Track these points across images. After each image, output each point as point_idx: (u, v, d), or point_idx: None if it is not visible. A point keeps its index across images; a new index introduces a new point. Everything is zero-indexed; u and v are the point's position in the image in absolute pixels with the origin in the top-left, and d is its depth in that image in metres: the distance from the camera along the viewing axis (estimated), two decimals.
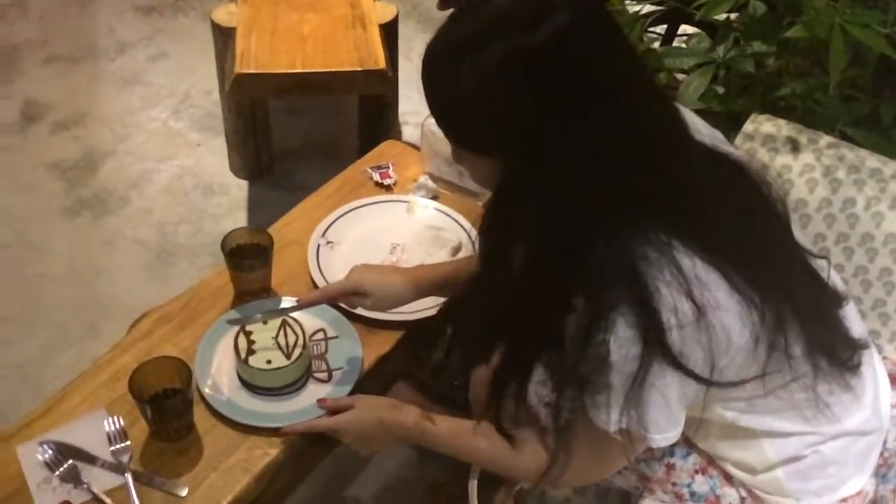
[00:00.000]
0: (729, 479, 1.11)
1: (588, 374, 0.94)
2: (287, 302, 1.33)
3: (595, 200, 0.86)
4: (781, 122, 1.46)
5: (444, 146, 1.57)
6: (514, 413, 1.04)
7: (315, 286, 1.38)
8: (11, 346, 2.03)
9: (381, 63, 1.97)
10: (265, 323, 1.24)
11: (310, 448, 1.21)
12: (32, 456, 1.12)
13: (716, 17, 1.61)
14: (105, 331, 2.05)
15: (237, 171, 2.52)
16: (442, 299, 1.32)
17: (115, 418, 1.16)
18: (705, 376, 0.90)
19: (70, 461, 1.12)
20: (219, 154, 2.57)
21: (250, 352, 1.21)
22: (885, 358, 1.21)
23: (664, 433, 0.93)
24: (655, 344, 0.85)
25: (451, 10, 0.90)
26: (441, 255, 1.46)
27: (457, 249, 1.47)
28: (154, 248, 2.29)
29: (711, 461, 1.11)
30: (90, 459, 1.13)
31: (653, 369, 0.87)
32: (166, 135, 2.69)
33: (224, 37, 2.14)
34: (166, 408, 1.13)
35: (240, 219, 2.38)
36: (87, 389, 1.22)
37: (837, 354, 1.02)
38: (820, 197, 1.39)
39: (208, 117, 2.74)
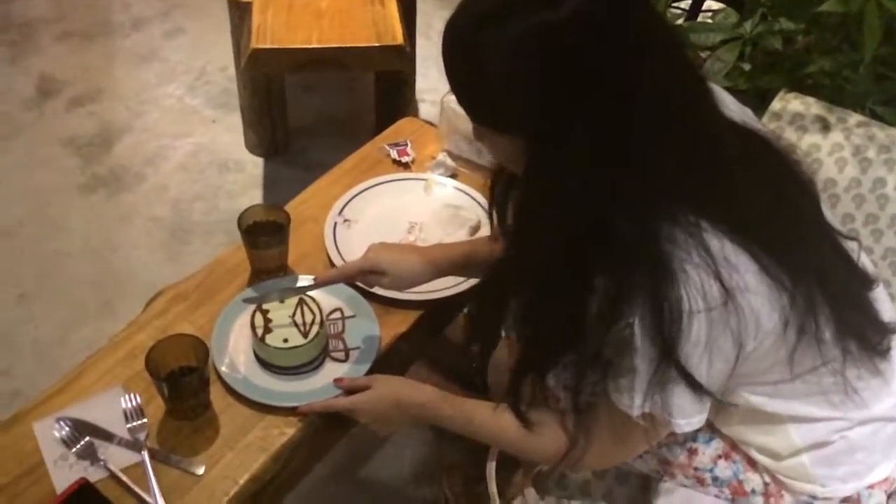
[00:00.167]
0: (752, 464, 1.09)
1: (611, 357, 0.92)
2: (304, 280, 1.32)
3: (620, 180, 0.84)
4: (810, 100, 1.42)
5: (464, 123, 1.55)
6: (533, 396, 1.02)
7: (332, 264, 1.37)
8: (28, 323, 2.03)
9: (399, 39, 1.94)
10: (282, 301, 1.23)
11: (326, 428, 1.19)
12: (49, 432, 1.12)
13: None
14: (121, 308, 2.05)
15: (252, 148, 2.51)
16: (460, 279, 1.31)
17: (132, 395, 1.15)
18: (732, 360, 0.87)
19: (87, 438, 1.11)
20: (234, 131, 2.55)
21: (267, 330, 1.20)
22: None
23: (689, 418, 0.92)
24: (683, 328, 0.83)
25: None
26: (459, 235, 1.44)
27: (475, 229, 1.45)
28: (169, 226, 2.28)
29: (734, 446, 1.09)
30: (107, 436, 1.12)
31: (680, 354, 0.85)
32: (182, 111, 2.68)
33: (240, 12, 2.12)
34: (183, 386, 1.12)
35: (255, 196, 2.37)
36: (103, 366, 1.21)
37: (867, 338, 0.99)
38: (849, 177, 1.36)
39: (224, 94, 2.73)
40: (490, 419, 1.08)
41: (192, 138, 2.57)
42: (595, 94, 0.81)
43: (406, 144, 1.60)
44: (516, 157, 0.89)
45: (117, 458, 1.10)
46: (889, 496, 1.07)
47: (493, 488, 1.20)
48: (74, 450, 1.10)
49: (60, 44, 2.94)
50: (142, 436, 1.12)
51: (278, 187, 2.37)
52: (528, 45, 0.80)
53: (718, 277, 0.83)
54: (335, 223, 1.43)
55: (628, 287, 0.85)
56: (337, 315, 1.28)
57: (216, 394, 1.17)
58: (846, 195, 1.36)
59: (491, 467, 1.20)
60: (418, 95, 2.58)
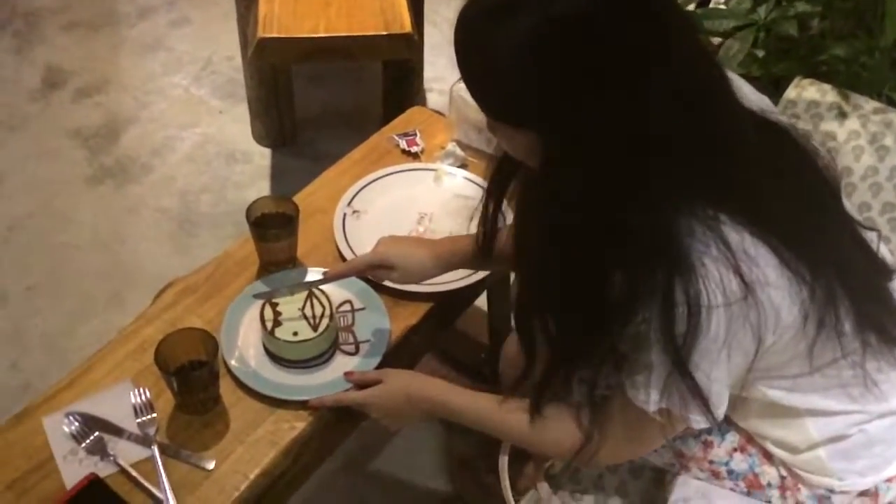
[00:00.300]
0: (768, 457, 1.07)
1: (627, 352, 0.91)
2: (313, 272, 1.31)
3: (638, 174, 0.82)
4: (826, 86, 1.40)
5: (474, 112, 1.53)
6: (556, 391, 1.01)
7: (341, 256, 1.35)
8: (37, 316, 2.03)
9: (407, 27, 1.92)
10: (291, 294, 1.22)
11: (337, 422, 1.18)
12: (58, 427, 1.11)
13: None
14: (129, 300, 2.04)
15: (260, 138, 2.49)
16: (471, 270, 1.29)
17: (141, 390, 1.15)
18: (751, 355, 0.86)
19: (96, 433, 1.11)
20: (241, 121, 2.53)
21: (276, 323, 1.19)
22: None
23: (706, 414, 0.90)
24: (701, 323, 0.81)
25: None
26: (470, 226, 1.42)
27: None
28: (177, 217, 2.27)
29: (750, 439, 1.08)
30: (116, 431, 1.11)
31: (698, 349, 0.83)
32: (188, 102, 2.66)
33: (247, 1, 2.10)
34: (192, 380, 1.11)
35: (263, 188, 2.35)
36: (112, 360, 1.21)
37: (887, 330, 0.98)
38: (866, 165, 1.34)
39: (230, 84, 2.71)
40: (503, 414, 1.07)
41: (198, 129, 2.56)
42: (613, 85, 0.79)
43: (415, 134, 1.58)
44: (532, 151, 0.87)
45: (127, 453, 1.09)
46: None
47: (505, 482, 1.19)
48: (84, 445, 1.09)
49: (66, 34, 2.92)
50: (151, 430, 1.11)
51: (286, 178, 2.36)
52: (543, 35, 0.78)
53: (738, 271, 0.81)
54: (344, 214, 1.42)
55: (645, 282, 0.83)
56: (347, 307, 1.27)
57: (226, 388, 1.16)
58: (863, 184, 1.34)
59: (503, 461, 1.19)
60: (426, 84, 2.56)
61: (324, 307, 1.21)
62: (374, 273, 1.22)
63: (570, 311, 0.93)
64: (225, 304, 1.27)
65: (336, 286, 1.27)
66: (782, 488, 1.07)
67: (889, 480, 1.04)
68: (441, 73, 2.65)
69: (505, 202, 1.13)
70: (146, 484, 1.06)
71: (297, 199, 1.42)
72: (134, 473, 1.07)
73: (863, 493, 1.05)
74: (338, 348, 1.22)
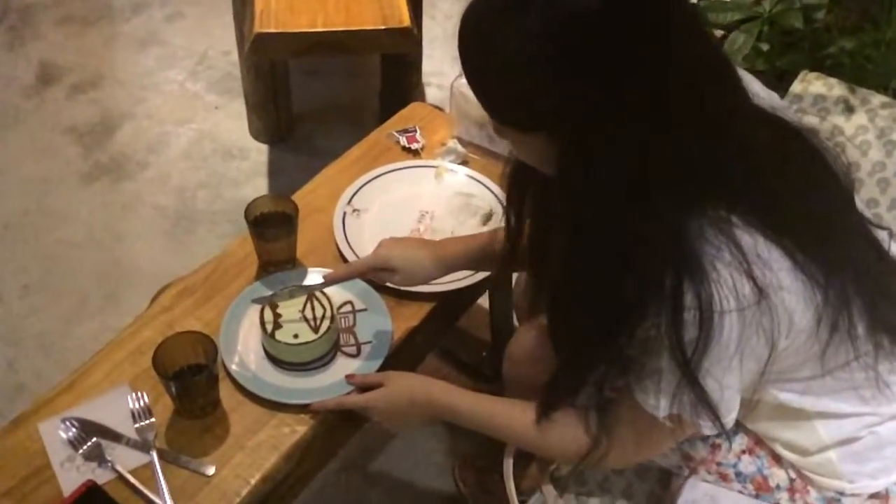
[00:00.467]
0: (777, 459, 1.06)
1: (636, 356, 0.89)
2: (313, 272, 1.29)
3: (648, 176, 0.80)
4: (832, 80, 1.38)
5: (475, 108, 1.50)
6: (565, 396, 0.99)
7: (341, 255, 1.33)
8: (32, 315, 2.00)
9: (406, 21, 1.89)
10: (291, 298, 1.19)
11: (339, 425, 1.17)
12: (55, 433, 1.09)
13: None
14: (126, 299, 2.02)
15: (257, 134, 2.47)
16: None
17: (139, 394, 1.13)
18: (764, 360, 0.84)
19: (94, 439, 1.09)
20: (238, 117, 2.51)
21: (277, 326, 1.17)
22: None
23: (717, 421, 0.88)
24: (713, 328, 0.79)
25: None
26: (472, 224, 1.40)
27: (488, 217, 1.42)
28: (173, 215, 2.25)
29: (759, 441, 1.07)
30: (114, 437, 1.10)
31: (709, 355, 0.81)
32: (184, 97, 2.63)
33: None
34: (192, 385, 1.09)
35: (260, 184, 2.33)
36: (109, 364, 1.19)
37: None
38: (873, 160, 1.32)
39: (226, 79, 2.68)
40: (509, 417, 1.05)
41: (194, 125, 2.53)
42: (626, 85, 0.76)
43: (415, 131, 1.56)
44: (543, 156, 0.85)
45: (125, 459, 1.07)
46: None
47: (510, 485, 1.17)
48: (81, 451, 1.08)
49: (60, 29, 2.89)
50: (150, 436, 1.09)
51: (284, 175, 2.34)
52: (553, 34, 0.76)
53: (751, 275, 0.79)
54: (344, 213, 1.39)
55: (654, 285, 0.81)
56: (348, 308, 1.25)
57: (225, 392, 1.15)
58: (870, 179, 1.32)
59: (508, 464, 1.17)
60: (424, 79, 2.53)
61: (324, 309, 1.19)
62: (375, 276, 1.20)
63: (583, 314, 0.91)
64: (224, 306, 1.24)
65: (337, 287, 1.24)
66: (791, 490, 1.06)
67: None
68: (439, 67, 2.62)
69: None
70: (145, 491, 1.04)
71: (296, 197, 1.40)
72: (132, 480, 1.05)
73: (873, 496, 1.03)
74: (339, 350, 1.20)
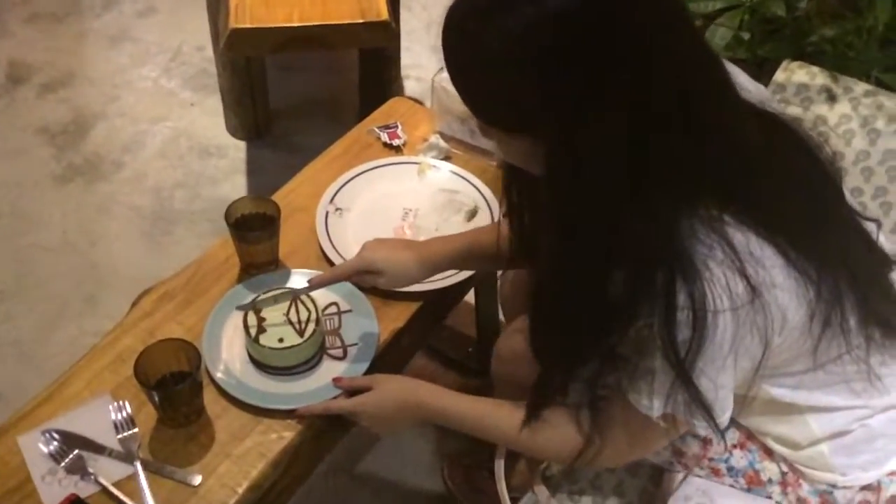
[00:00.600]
0: (769, 453, 1.06)
1: (629, 356, 0.88)
2: (297, 275, 1.27)
3: (637, 176, 0.78)
4: (815, 69, 1.37)
5: (456, 103, 1.48)
6: (553, 394, 0.98)
7: (324, 255, 1.31)
8: (7, 322, 1.96)
9: (384, 14, 1.86)
10: (276, 302, 1.17)
11: (327, 429, 1.15)
12: (35, 446, 1.07)
13: None
14: (104, 303, 1.98)
15: (234, 131, 2.43)
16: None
17: (121, 403, 1.10)
18: (758, 358, 0.83)
19: (75, 451, 1.06)
20: (214, 114, 2.46)
21: (261, 330, 1.15)
22: None
23: (711, 421, 0.87)
24: (707, 328, 0.78)
25: None
26: (456, 220, 1.39)
27: (472, 213, 1.40)
28: (150, 215, 2.21)
29: (750, 435, 1.06)
30: (97, 448, 1.07)
31: (704, 355, 0.80)
32: (158, 94, 2.59)
33: None
34: (175, 394, 1.07)
35: (239, 182, 2.29)
36: (89, 373, 1.16)
37: (891, 324, 0.96)
38: (857, 149, 1.32)
39: (202, 75, 2.63)
40: (498, 419, 1.04)
41: (169, 123, 2.48)
42: (612, 83, 0.75)
43: (396, 127, 1.54)
44: (529, 156, 0.83)
45: (109, 471, 1.05)
46: None
47: (502, 488, 1.16)
48: (63, 464, 1.05)
49: (29, 26, 2.82)
50: (134, 446, 1.07)
51: (263, 172, 2.30)
52: (539, 33, 0.74)
53: (744, 274, 0.78)
54: (326, 213, 1.37)
55: (647, 285, 0.80)
56: (333, 310, 1.23)
57: (210, 398, 1.12)
58: (854, 168, 1.32)
59: (499, 465, 1.16)
60: (403, 72, 2.50)
61: (309, 311, 1.17)
62: (360, 278, 1.18)
63: (572, 311, 0.89)
64: (206, 311, 1.22)
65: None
66: (783, 484, 1.05)
67: (891, 474, 1.02)
68: (418, 59, 2.59)
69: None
70: (130, 503, 1.02)
71: (277, 197, 1.37)
72: (117, 493, 1.03)
73: (865, 488, 1.03)
74: (325, 353, 1.18)
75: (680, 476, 1.11)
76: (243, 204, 1.26)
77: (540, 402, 0.99)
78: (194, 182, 2.30)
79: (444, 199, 1.42)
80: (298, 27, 1.86)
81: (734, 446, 1.07)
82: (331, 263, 1.30)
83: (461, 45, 0.80)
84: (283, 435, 1.10)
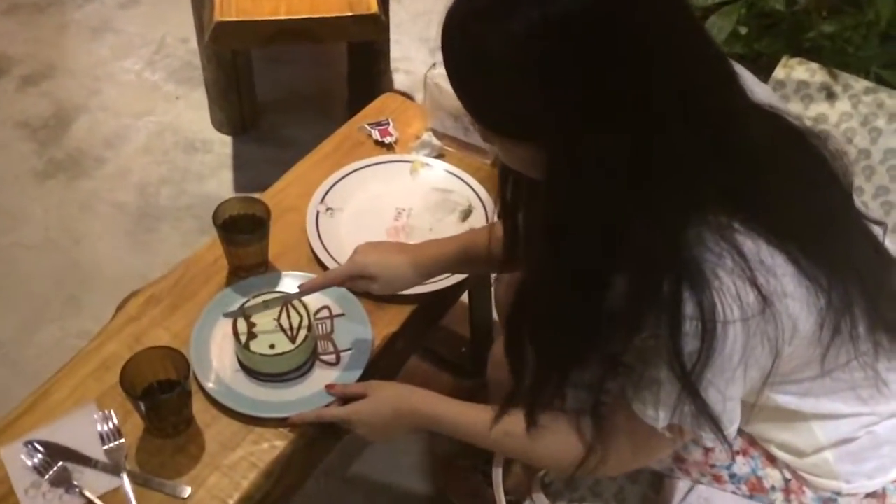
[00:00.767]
0: (772, 459, 1.04)
1: (633, 365, 0.86)
2: (287, 277, 1.23)
3: (642, 183, 0.76)
4: (814, 66, 1.35)
5: (449, 99, 1.45)
6: (549, 399, 0.95)
7: (315, 257, 1.28)
8: None
9: (373, 7, 1.83)
10: (266, 308, 1.13)
11: (320, 437, 1.12)
12: (18, 459, 1.03)
13: None
14: (87, 303, 1.93)
15: (220, 125, 2.38)
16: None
17: (107, 413, 1.07)
18: (768, 368, 0.81)
19: (60, 463, 1.03)
20: (199, 108, 2.41)
21: (251, 336, 1.11)
22: None
23: (719, 433, 0.85)
24: (716, 339, 0.76)
25: None
26: (450, 221, 1.36)
27: (467, 213, 1.37)
28: (134, 212, 2.16)
29: (753, 442, 1.04)
30: (82, 460, 1.04)
31: (712, 366, 0.78)
32: (141, 88, 2.53)
33: None
34: (162, 403, 1.03)
35: (225, 178, 2.24)
36: (73, 381, 1.12)
37: None
38: (858, 148, 1.30)
39: (186, 68, 2.58)
40: (497, 427, 1.01)
41: (153, 117, 2.43)
42: (617, 87, 0.72)
43: (388, 123, 1.50)
44: (531, 162, 0.80)
45: (94, 483, 1.02)
46: None
47: (500, 497, 1.13)
48: (47, 476, 1.02)
49: (8, 17, 2.76)
50: (120, 458, 1.03)
51: (250, 167, 2.25)
52: (542, 35, 0.72)
53: (755, 283, 0.76)
54: (317, 213, 1.34)
55: (652, 294, 0.77)
56: (325, 314, 1.20)
57: (198, 407, 1.09)
58: (855, 167, 1.30)
59: (497, 473, 1.13)
60: (392, 65, 2.46)
61: (301, 316, 1.13)
62: (353, 284, 1.15)
63: (568, 316, 0.87)
64: (193, 315, 1.18)
65: None
66: (786, 491, 1.04)
67: None
68: (407, 52, 2.55)
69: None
70: None
71: (266, 196, 1.34)
72: None
73: (870, 495, 1.02)
74: (317, 359, 1.15)
75: (681, 483, 1.09)
76: (231, 205, 1.22)
77: (535, 407, 0.97)
78: (180, 178, 2.25)
79: (438, 199, 1.38)
80: (286, 20, 1.83)
81: (737, 453, 1.05)
82: (322, 265, 1.26)
83: (462, 48, 0.78)
84: (274, 444, 1.07)
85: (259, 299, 1.14)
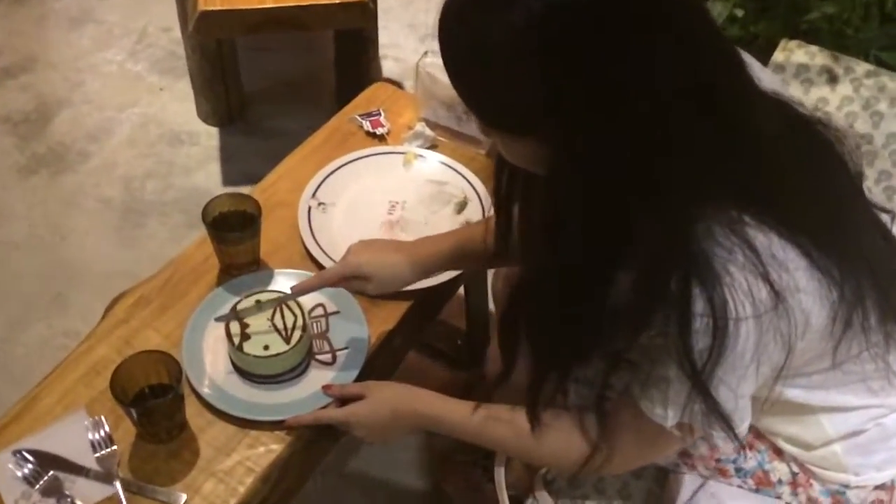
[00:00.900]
0: (778, 453, 1.02)
1: (640, 362, 0.83)
2: (280, 275, 1.20)
3: (650, 174, 0.73)
4: (814, 48, 1.32)
5: (441, 89, 1.42)
6: (552, 396, 0.93)
7: (308, 254, 1.25)
8: None
9: None
10: (259, 310, 1.10)
11: (317, 439, 1.09)
12: (6, 468, 1.00)
13: None
14: (74, 301, 1.90)
15: (206, 117, 2.33)
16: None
17: (98, 419, 1.04)
18: (780, 365, 0.79)
19: (51, 472, 1.00)
20: (184, 99, 2.37)
21: (244, 337, 1.08)
22: None
23: (730, 431, 0.83)
24: (728, 336, 0.74)
25: None
26: (446, 213, 1.33)
27: (462, 205, 1.34)
28: (120, 207, 2.12)
29: (759, 435, 1.03)
30: (73, 469, 1.01)
31: (723, 364, 0.76)
32: (124, 79, 2.48)
33: None
34: (154, 409, 1.00)
35: (213, 171, 2.20)
36: (62, 387, 1.09)
37: None
38: (860, 132, 1.28)
39: (170, 58, 2.53)
40: (496, 426, 0.99)
41: (138, 109, 2.38)
42: (621, 79, 0.70)
43: (379, 114, 1.47)
44: (533, 157, 0.78)
45: (87, 492, 0.99)
46: None
47: (503, 497, 1.11)
48: (38, 486, 0.99)
49: None
50: (113, 466, 1.00)
51: (237, 159, 2.21)
52: (543, 26, 0.69)
53: (767, 279, 0.73)
54: (309, 207, 1.30)
55: (661, 292, 0.75)
56: (320, 312, 1.17)
57: (192, 411, 1.06)
58: (857, 152, 1.28)
59: (500, 473, 1.11)
60: (381, 52, 2.42)
61: (296, 316, 1.10)
62: (347, 284, 1.11)
63: (568, 313, 0.84)
64: (184, 316, 1.15)
65: None
66: (794, 484, 1.02)
67: None
68: (395, 39, 2.51)
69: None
70: None
71: (255, 192, 1.30)
72: None
73: (878, 487, 1.01)
74: (313, 359, 1.12)
75: (688, 478, 1.07)
76: (221, 202, 1.18)
77: (536, 404, 0.94)
78: (166, 171, 2.21)
79: (433, 191, 1.35)
80: (272, 8, 1.79)
81: (742, 447, 1.03)
82: (315, 262, 1.23)
83: (460, 39, 0.75)
84: (271, 448, 1.04)
85: (251, 300, 1.11)
